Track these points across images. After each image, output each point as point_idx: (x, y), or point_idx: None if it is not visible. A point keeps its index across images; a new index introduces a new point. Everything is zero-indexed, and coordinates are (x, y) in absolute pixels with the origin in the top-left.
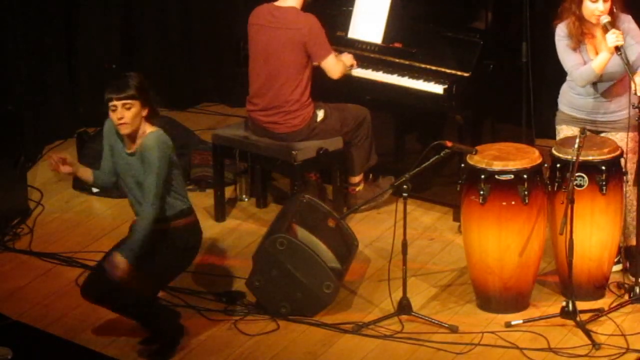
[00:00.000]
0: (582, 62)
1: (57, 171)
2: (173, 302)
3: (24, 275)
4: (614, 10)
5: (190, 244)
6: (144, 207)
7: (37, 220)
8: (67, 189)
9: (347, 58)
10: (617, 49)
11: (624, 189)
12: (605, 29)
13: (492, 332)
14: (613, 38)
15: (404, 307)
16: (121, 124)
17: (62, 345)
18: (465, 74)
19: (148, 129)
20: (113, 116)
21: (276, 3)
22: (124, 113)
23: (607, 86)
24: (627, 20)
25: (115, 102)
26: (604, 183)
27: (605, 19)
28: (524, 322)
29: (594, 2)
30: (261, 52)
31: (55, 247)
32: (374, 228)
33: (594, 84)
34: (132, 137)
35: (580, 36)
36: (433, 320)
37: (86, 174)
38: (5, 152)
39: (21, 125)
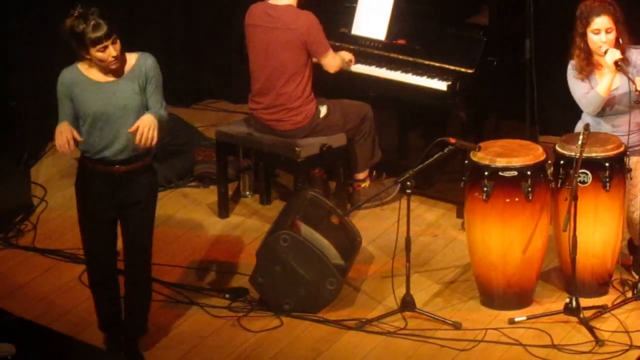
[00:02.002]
0: (590, 90)
1: (68, 150)
2: (176, 298)
3: (27, 272)
4: (620, 41)
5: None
6: (160, 110)
7: (41, 217)
8: (71, 185)
9: (345, 53)
10: (617, 64)
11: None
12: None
13: (496, 329)
14: (610, 56)
15: (407, 303)
16: (115, 58)
17: (66, 341)
18: (469, 71)
19: (130, 54)
20: (105, 56)
21: (271, 1)
22: (116, 48)
23: (620, 125)
24: (637, 53)
25: (105, 42)
26: (607, 180)
27: (605, 47)
28: (527, 319)
29: (596, 34)
30: (260, 52)
31: (58, 244)
32: (377, 225)
33: (610, 124)
34: (119, 68)
35: (587, 67)
36: (436, 317)
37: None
38: (9, 149)
39: (25, 121)
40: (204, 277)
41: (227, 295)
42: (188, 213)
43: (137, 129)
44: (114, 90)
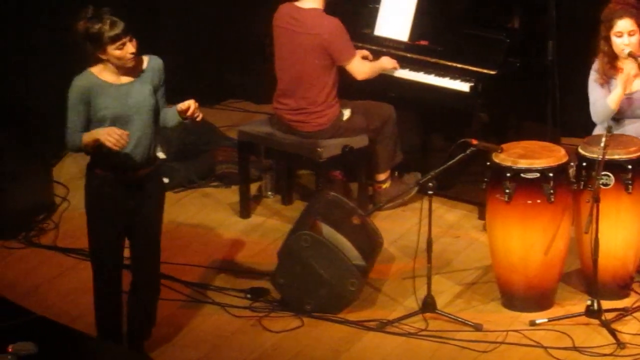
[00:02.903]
0: (605, 97)
1: (125, 143)
2: (197, 298)
3: (49, 271)
4: None
5: None
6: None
7: (63, 216)
8: None
9: (388, 61)
10: (631, 55)
11: None
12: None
13: (517, 331)
14: (626, 50)
15: (428, 304)
16: (133, 55)
17: (87, 340)
18: (492, 72)
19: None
20: (123, 53)
21: (297, 3)
22: (133, 44)
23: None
24: None
25: (124, 39)
26: (629, 182)
27: (628, 49)
28: (548, 321)
29: (619, 36)
30: (285, 55)
31: (80, 243)
32: (398, 225)
33: (633, 127)
34: (134, 68)
35: (609, 71)
36: (457, 318)
37: None
38: (32, 148)
39: (47, 121)
40: (225, 276)
41: (248, 295)
42: (209, 213)
43: (187, 107)
44: (130, 91)
